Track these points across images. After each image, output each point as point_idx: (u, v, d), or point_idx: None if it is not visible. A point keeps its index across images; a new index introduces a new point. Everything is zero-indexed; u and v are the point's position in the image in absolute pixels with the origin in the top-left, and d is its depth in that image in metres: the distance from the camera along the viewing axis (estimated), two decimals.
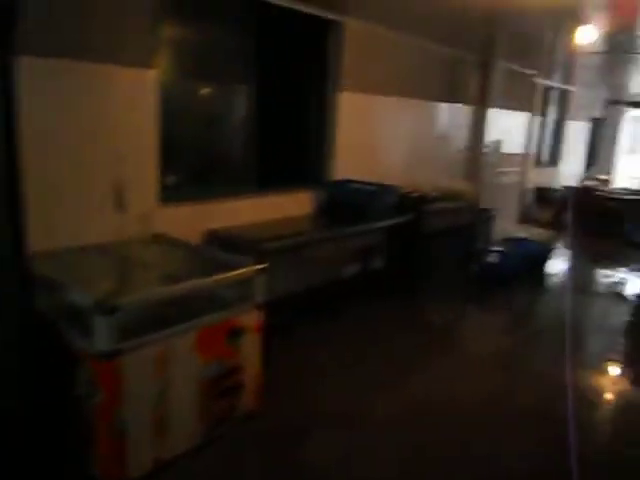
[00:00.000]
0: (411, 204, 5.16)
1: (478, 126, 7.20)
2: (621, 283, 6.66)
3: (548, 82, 9.47)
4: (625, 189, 10.14)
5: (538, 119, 9.40)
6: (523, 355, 4.34)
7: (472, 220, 6.26)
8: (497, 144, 7.52)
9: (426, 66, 6.04)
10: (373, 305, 4.96)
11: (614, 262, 7.47)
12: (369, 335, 4.44)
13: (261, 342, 3.00)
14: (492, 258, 6.19)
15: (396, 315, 4.94)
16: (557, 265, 7.12)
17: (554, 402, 3.44)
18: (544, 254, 6.84)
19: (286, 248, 3.82)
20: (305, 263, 4.20)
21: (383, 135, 5.65)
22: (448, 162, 6.78)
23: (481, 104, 7.11)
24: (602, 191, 9.80)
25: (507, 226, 7.65)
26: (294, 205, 4.64)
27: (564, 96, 10.43)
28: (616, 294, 6.26)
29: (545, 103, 9.71)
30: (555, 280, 6.69)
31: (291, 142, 4.91)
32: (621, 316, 5.51)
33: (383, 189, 4.85)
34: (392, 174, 5.46)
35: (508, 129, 7.78)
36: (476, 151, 7.18)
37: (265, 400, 3.11)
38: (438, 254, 5.64)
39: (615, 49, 5.92)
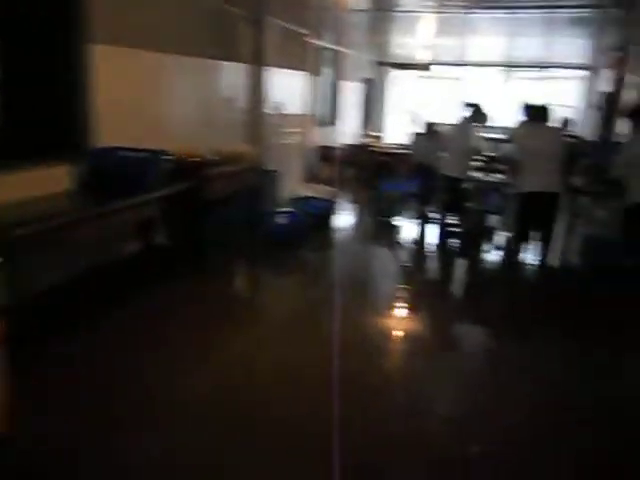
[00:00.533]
0: (190, 170, 4.79)
1: (257, 86, 7.01)
2: (400, 232, 7.23)
3: (322, 43, 9.68)
4: (395, 144, 10.98)
5: (315, 80, 9.58)
6: (320, 315, 4.34)
7: (257, 183, 6.11)
8: (278, 104, 7.45)
9: (196, 20, 5.59)
10: (161, 284, 4.52)
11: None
12: (158, 319, 4.00)
13: (5, 355, 2.43)
14: (280, 219, 6.15)
15: (187, 291, 4.56)
16: (342, 220, 7.43)
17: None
18: (329, 211, 7.03)
19: (36, 234, 3.19)
20: (67, 249, 3.60)
21: (155, 96, 5.12)
22: (229, 124, 6.50)
23: (258, 63, 6.91)
24: (376, 147, 10.47)
25: (293, 186, 7.72)
26: (48, 181, 3.93)
27: (337, 57, 10.80)
28: (396, 242, 6.76)
29: (320, 64, 9.93)
30: (342, 234, 6.98)
31: (39, 107, 4.12)
32: (403, 262, 5.99)
33: (156, 156, 4.38)
34: (168, 139, 4.98)
35: (288, 89, 7.76)
36: (257, 112, 7.00)
37: (21, 421, 2.57)
38: (223, 221, 5.39)
39: (379, 7, 6.16)
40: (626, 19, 8.68)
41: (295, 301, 4.71)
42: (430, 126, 7.76)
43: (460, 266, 6.13)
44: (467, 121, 6.43)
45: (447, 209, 6.76)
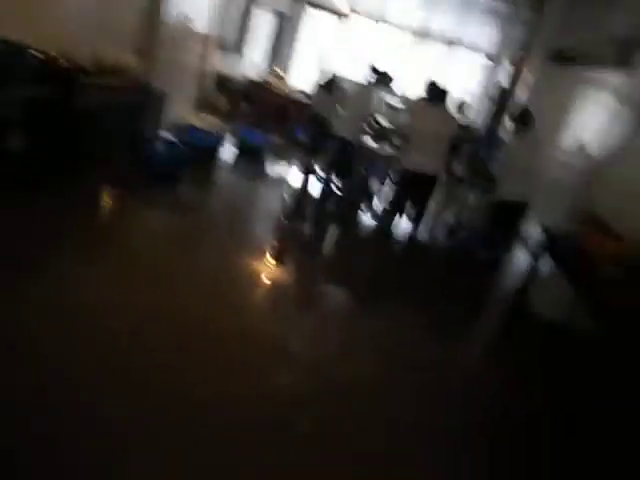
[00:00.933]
0: (59, 74, 4.22)
1: None
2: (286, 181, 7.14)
3: None
4: (298, 89, 10.68)
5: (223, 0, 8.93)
6: (173, 254, 4.13)
7: (138, 101, 5.60)
8: (182, 16, 6.79)
9: None
10: (10, 197, 3.99)
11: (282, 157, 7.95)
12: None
13: None
14: (159, 147, 5.73)
15: (41, 210, 4.04)
16: (226, 155, 7.14)
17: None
18: (215, 145, 6.71)
19: None
20: None
21: None
22: (117, 30, 5.80)
23: None
24: (278, 88, 10.10)
25: (181, 112, 7.21)
26: None
27: None
28: (280, 192, 6.66)
29: None
30: (225, 172, 6.72)
31: None
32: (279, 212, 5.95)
33: (18, 49, 3.79)
34: (41, 35, 4.30)
35: (194, 1, 7.10)
36: (154, 20, 6.33)
37: None
38: (94, 136, 4.88)
39: None
40: (533, 21, 9.00)
41: (153, 237, 4.45)
42: (333, 80, 7.59)
43: (333, 227, 6.17)
44: (371, 85, 6.34)
45: (333, 169, 6.72)
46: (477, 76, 13.24)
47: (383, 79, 6.33)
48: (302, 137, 8.83)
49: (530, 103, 8.27)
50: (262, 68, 11.85)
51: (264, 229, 5.42)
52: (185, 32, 7.04)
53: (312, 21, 13.41)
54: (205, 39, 7.99)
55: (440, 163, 5.35)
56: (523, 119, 5.23)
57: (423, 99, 5.33)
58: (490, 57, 12.74)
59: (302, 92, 10.33)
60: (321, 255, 5.31)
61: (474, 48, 12.81)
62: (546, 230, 4.91)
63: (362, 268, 5.08)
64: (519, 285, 5.16)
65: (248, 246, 4.75)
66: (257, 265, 4.39)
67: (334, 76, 7.65)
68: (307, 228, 6.01)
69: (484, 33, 11.83)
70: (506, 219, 5.37)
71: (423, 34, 12.94)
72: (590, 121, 6.42)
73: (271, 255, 4.64)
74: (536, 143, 5.28)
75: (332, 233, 6.04)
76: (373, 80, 6.39)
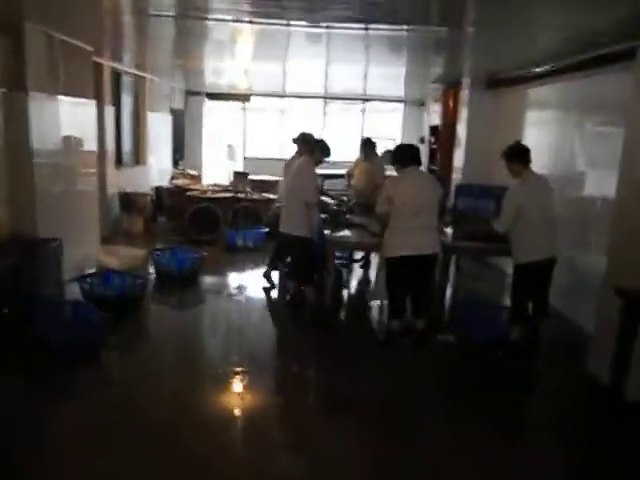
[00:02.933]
0: None
1: (20, 118, 4.95)
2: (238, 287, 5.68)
3: (117, 65, 7.82)
4: (216, 185, 9.42)
5: (111, 110, 7.67)
6: None
7: (15, 261, 4.09)
8: (58, 141, 5.42)
9: None
10: None
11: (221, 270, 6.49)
12: None
13: None
14: (52, 318, 4.14)
15: None
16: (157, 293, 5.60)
17: None
18: (136, 289, 5.09)
19: None
20: None
21: None
22: None
23: (18, 87, 4.88)
24: (194, 190, 8.78)
25: (87, 252, 5.72)
26: None
27: (140, 84, 9.00)
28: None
29: (117, 90, 8.06)
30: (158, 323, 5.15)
31: None
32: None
33: None
34: None
35: (75, 122, 5.76)
36: (20, 155, 4.92)
37: None
38: None
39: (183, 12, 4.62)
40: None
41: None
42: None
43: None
44: (300, 158, 5.14)
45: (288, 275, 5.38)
46: (398, 122, 12.62)
47: (318, 146, 5.05)
48: (240, 241, 7.47)
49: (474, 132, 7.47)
50: (170, 172, 10.58)
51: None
52: (71, 156, 5.65)
53: (214, 110, 12.45)
54: (96, 159, 6.62)
55: (437, 238, 4.19)
56: (521, 155, 4.15)
57: (399, 167, 4.20)
58: (404, 100, 12.16)
59: (221, 187, 9.07)
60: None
61: (387, 97, 12.23)
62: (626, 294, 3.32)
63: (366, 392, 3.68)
64: None
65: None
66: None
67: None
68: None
69: (395, 78, 11.15)
70: (536, 286, 4.17)
71: (332, 96, 12.26)
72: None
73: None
74: (543, 182, 4.20)
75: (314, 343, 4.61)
76: (299, 151, 5.32)
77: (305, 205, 4.65)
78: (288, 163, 5.53)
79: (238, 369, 3.91)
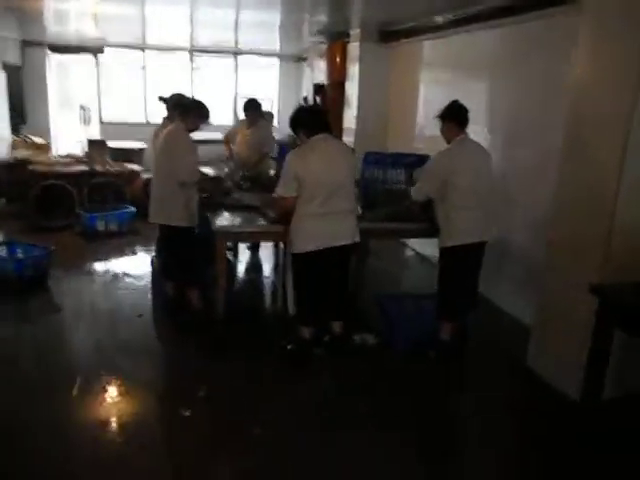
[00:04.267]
0: None
1: None
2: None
3: None
4: (69, 156, 7.85)
5: None
6: None
7: None
8: None
9: None
10: None
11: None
12: None
13: None
14: None
15: None
16: None
17: None
18: None
19: None
20: None
21: None
22: None
23: None
24: (39, 163, 7.18)
25: None
26: None
27: None
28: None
29: None
30: None
31: None
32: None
33: None
34: None
35: None
36: None
37: None
38: None
39: None
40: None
41: None
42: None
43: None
44: (169, 123, 4.03)
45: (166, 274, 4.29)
46: (274, 80, 11.59)
47: (184, 107, 3.93)
48: (101, 225, 6.18)
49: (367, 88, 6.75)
50: (9, 141, 8.74)
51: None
52: None
53: (62, 65, 10.52)
54: None
55: (356, 223, 3.37)
56: (458, 114, 3.46)
57: (302, 136, 3.28)
58: (284, 55, 11.16)
59: (76, 158, 7.56)
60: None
61: (262, 51, 11.13)
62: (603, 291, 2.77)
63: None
64: None
65: None
66: None
67: None
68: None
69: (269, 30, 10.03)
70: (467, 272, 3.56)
71: (202, 49, 10.89)
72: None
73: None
74: (481, 149, 3.55)
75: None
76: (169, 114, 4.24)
77: (181, 186, 3.61)
78: (156, 132, 4.40)
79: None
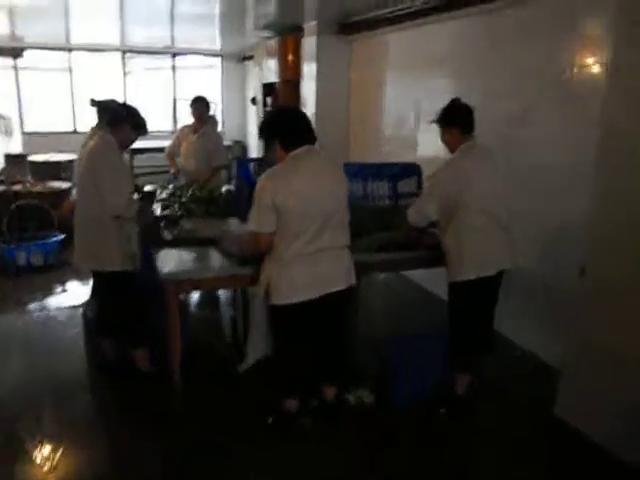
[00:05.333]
0: None
1: None
2: None
3: None
4: None
5: None
6: None
7: None
8: None
9: None
10: None
11: None
12: None
13: None
14: None
15: None
16: None
17: None
18: None
19: None
20: None
21: None
22: None
23: None
24: None
25: None
26: None
27: None
28: None
29: None
30: None
31: None
32: None
33: None
34: None
35: None
36: None
37: None
38: None
39: None
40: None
41: None
42: None
43: None
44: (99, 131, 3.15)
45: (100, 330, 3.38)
46: (215, 82, 10.69)
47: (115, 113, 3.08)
48: (22, 258, 5.18)
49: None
50: None
51: None
52: None
53: None
54: None
55: (351, 261, 2.59)
56: (459, 117, 2.78)
57: (284, 147, 2.48)
58: (225, 54, 10.29)
59: None
60: None
61: (201, 50, 10.24)
62: None
63: None
64: None
65: None
66: None
67: None
68: None
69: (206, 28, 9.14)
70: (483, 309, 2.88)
71: (133, 49, 9.88)
72: None
73: None
74: (491, 158, 2.87)
75: None
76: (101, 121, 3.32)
77: (113, 219, 2.77)
78: (84, 144, 3.52)
79: None
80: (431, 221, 2.87)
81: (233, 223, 3.48)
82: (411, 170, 3.70)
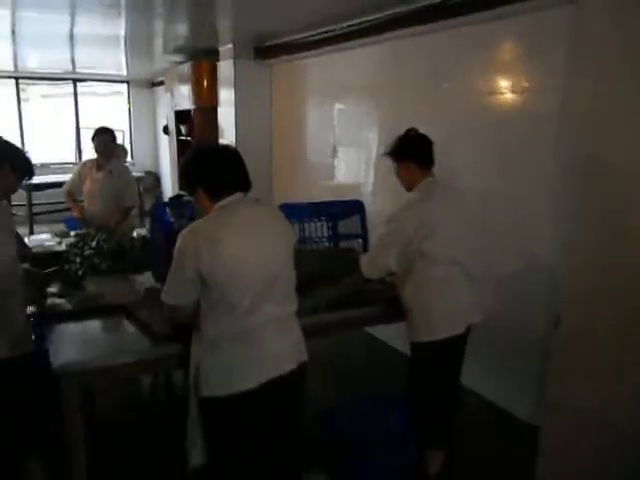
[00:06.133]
0: None
1: None
2: None
3: None
4: None
5: None
6: None
7: None
8: None
9: None
10: None
11: None
12: None
13: None
14: None
15: None
16: None
17: None
18: None
19: None
20: None
21: None
22: None
23: None
24: None
25: None
26: None
27: None
28: None
29: None
30: None
31: None
32: None
33: None
34: None
35: None
36: None
37: None
38: None
39: None
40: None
41: None
42: None
43: None
44: None
45: None
46: (121, 109, 9.95)
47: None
48: None
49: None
50: None
51: None
52: None
53: None
54: None
55: (300, 334, 2.07)
56: (416, 150, 2.40)
57: (211, 195, 1.94)
58: (135, 82, 9.59)
59: None
60: None
61: (113, 78, 9.49)
62: None
63: None
64: None
65: None
66: None
67: None
68: None
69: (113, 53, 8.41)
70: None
71: (27, 75, 8.95)
72: None
73: None
74: (455, 196, 2.50)
75: None
76: None
77: None
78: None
79: None
80: (388, 272, 2.46)
81: (145, 280, 2.88)
82: (353, 208, 3.29)
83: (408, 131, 2.50)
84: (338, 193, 4.47)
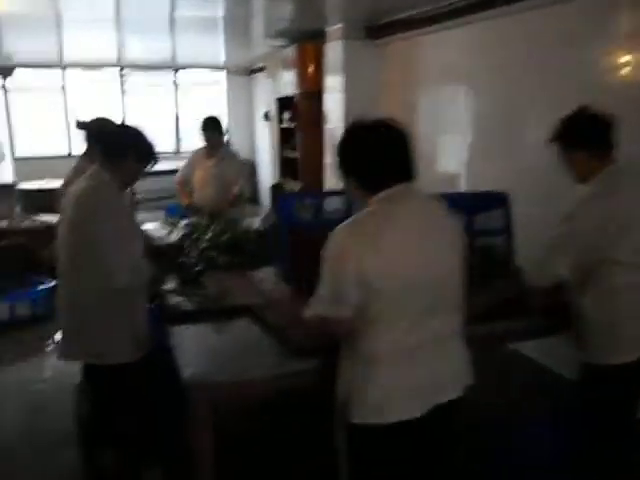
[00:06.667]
0: None
1: None
2: None
3: None
4: None
5: None
6: None
7: None
8: None
9: None
10: None
11: None
12: None
13: None
14: None
15: None
16: None
17: None
18: None
19: None
20: None
21: None
22: None
23: None
24: None
25: None
26: None
27: None
28: None
29: None
30: None
31: None
32: None
33: None
34: None
35: None
36: None
37: None
38: None
39: None
40: None
41: None
42: None
43: None
44: (89, 165, 2.33)
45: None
46: (220, 97, 9.93)
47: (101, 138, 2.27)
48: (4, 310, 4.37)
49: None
50: None
51: None
52: None
53: None
54: None
55: (466, 356, 1.70)
56: (591, 135, 1.97)
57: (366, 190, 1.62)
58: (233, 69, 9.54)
59: None
60: None
61: (211, 65, 9.50)
62: None
63: None
64: None
65: None
66: None
67: None
68: None
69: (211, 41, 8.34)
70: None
71: (132, 64, 9.13)
72: None
73: None
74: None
75: None
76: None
77: (115, 294, 1.96)
78: (68, 179, 2.76)
79: None
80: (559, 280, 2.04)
81: (266, 277, 2.64)
82: (494, 201, 2.88)
83: (581, 108, 2.06)
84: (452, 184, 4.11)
